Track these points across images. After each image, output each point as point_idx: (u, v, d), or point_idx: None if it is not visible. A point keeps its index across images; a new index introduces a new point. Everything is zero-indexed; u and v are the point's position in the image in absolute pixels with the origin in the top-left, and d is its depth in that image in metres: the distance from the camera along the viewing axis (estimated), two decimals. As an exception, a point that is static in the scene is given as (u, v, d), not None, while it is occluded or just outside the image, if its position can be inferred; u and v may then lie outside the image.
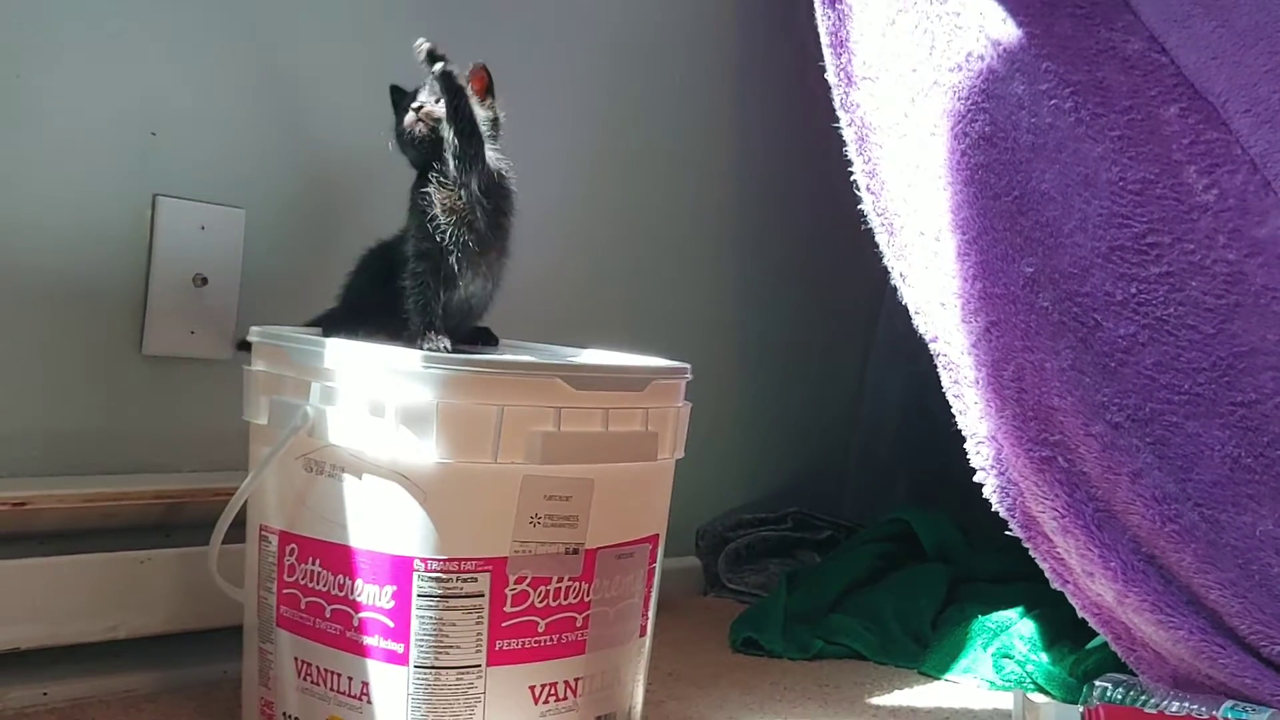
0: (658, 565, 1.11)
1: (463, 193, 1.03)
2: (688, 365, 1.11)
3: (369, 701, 0.96)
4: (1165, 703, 1.15)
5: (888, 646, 1.52)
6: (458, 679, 0.95)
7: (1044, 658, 1.42)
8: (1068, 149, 1.30)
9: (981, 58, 1.34)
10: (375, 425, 0.94)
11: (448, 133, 1.03)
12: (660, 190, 1.72)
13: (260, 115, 1.27)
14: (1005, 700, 1.39)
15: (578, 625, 1.01)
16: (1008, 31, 1.33)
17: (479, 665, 0.96)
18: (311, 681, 1.00)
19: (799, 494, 1.95)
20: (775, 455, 1.95)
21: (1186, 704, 1.14)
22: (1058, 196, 1.28)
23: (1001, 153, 1.30)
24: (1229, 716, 1.12)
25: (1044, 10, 1.36)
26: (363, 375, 0.96)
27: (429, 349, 0.98)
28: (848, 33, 1.46)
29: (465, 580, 0.95)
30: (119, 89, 1.18)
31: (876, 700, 1.36)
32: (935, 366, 1.36)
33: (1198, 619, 1.19)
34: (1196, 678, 1.21)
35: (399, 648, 0.95)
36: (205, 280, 1.23)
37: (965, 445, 1.32)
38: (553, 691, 1.00)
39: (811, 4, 1.49)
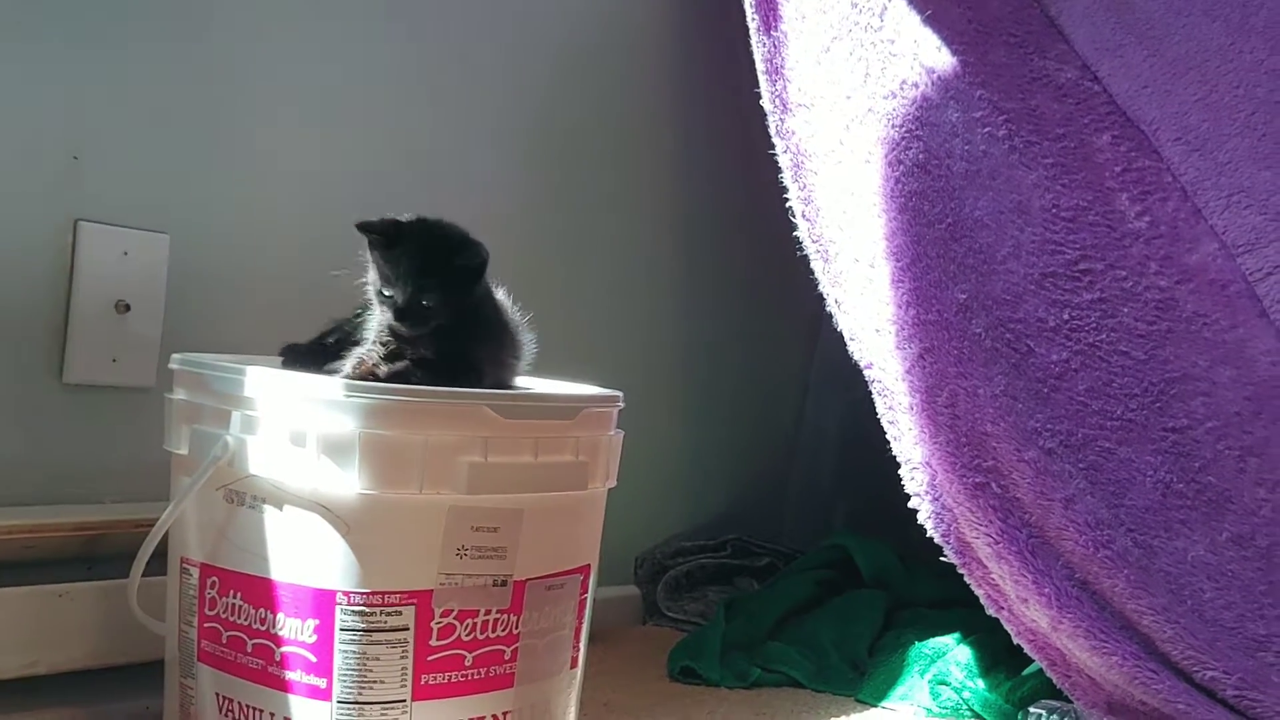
0: (589, 596, 1.09)
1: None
2: (619, 393, 1.10)
3: (291, 738, 0.94)
4: (1098, 729, 1.16)
5: (825, 674, 1.51)
6: (382, 714, 0.93)
7: (980, 684, 1.42)
8: (1001, 176, 1.31)
9: (916, 85, 1.34)
10: (296, 455, 0.93)
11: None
12: (596, 216, 1.71)
13: (184, 139, 1.25)
14: (942, 727, 1.39)
15: (506, 658, 0.99)
16: (942, 59, 1.34)
17: (404, 700, 0.94)
18: (233, 717, 0.97)
19: (738, 521, 1.95)
20: (714, 483, 1.94)
21: (1119, 730, 1.14)
22: (991, 223, 1.29)
23: (935, 180, 1.31)
24: (1162, 742, 1.12)
25: (978, 39, 1.37)
26: (284, 404, 0.94)
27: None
28: (783, 59, 1.46)
29: (389, 614, 0.93)
30: (39, 112, 1.15)
31: (813, 729, 1.35)
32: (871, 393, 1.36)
33: (1131, 645, 1.19)
34: (1130, 703, 1.21)
35: (322, 683, 0.93)
36: (128, 307, 1.21)
37: (901, 471, 1.32)
38: (481, 726, 0.98)
39: (747, 30, 1.49)
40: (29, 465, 1.17)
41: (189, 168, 1.25)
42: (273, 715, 0.95)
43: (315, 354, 1.07)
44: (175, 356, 1.04)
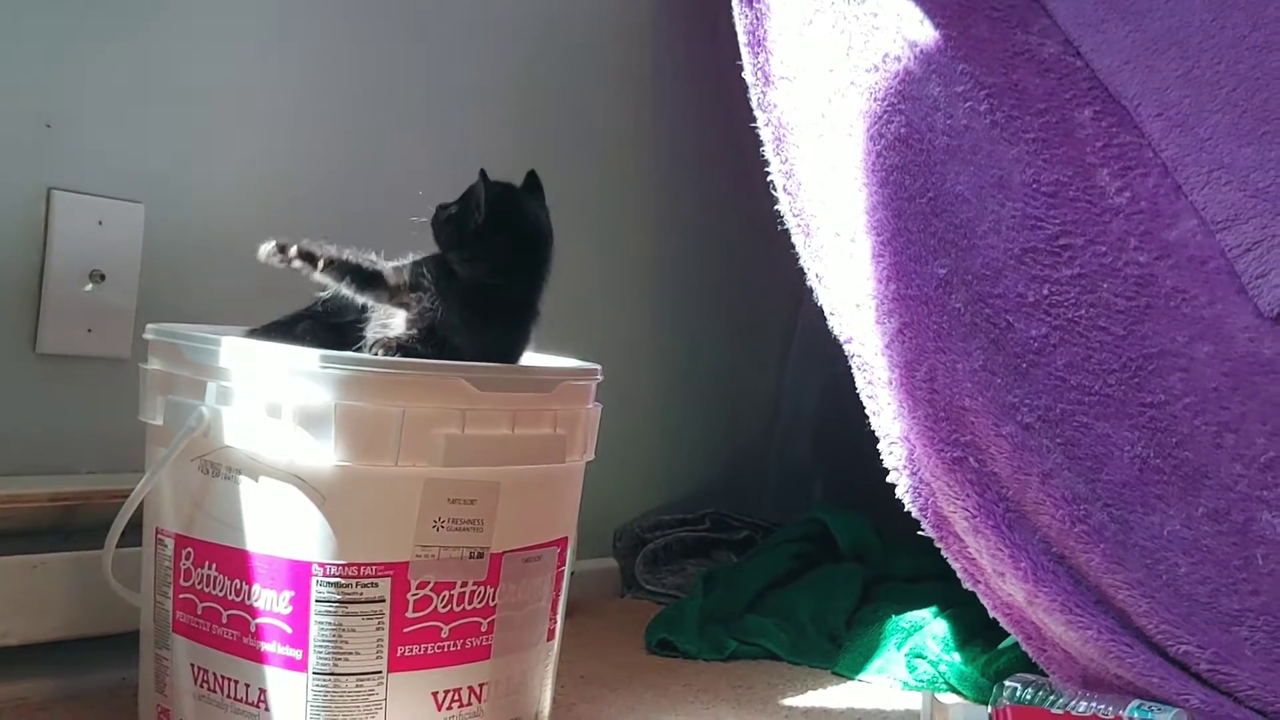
0: (567, 568, 1.09)
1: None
2: (598, 366, 1.10)
3: (267, 709, 0.94)
4: (1073, 703, 1.16)
5: (802, 647, 1.51)
6: (358, 685, 0.93)
7: (957, 658, 1.43)
8: (983, 151, 1.30)
9: (898, 59, 1.34)
10: (272, 427, 0.92)
11: None
12: (575, 188, 1.70)
13: (159, 108, 1.24)
14: (918, 701, 1.39)
15: (483, 630, 0.99)
16: (925, 33, 1.33)
17: (380, 671, 0.94)
18: (208, 688, 0.97)
19: (717, 495, 1.95)
20: (694, 456, 1.94)
21: (1094, 704, 1.15)
22: (972, 198, 1.29)
23: (917, 154, 1.30)
24: (1135, 716, 1.12)
25: (961, 12, 1.36)
26: (259, 375, 0.94)
27: None
28: (765, 31, 1.45)
29: (365, 585, 0.93)
30: (11, 79, 1.14)
31: (789, 701, 1.35)
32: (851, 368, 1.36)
33: (1106, 619, 1.20)
34: (1106, 677, 1.22)
35: (297, 654, 0.93)
36: (103, 277, 1.20)
37: (879, 446, 1.32)
38: (456, 697, 0.98)
39: (730, 2, 1.48)
40: (2, 436, 1.16)
41: (164, 136, 1.24)
42: (248, 686, 0.95)
43: (288, 330, 1.07)
44: (150, 327, 1.04)
